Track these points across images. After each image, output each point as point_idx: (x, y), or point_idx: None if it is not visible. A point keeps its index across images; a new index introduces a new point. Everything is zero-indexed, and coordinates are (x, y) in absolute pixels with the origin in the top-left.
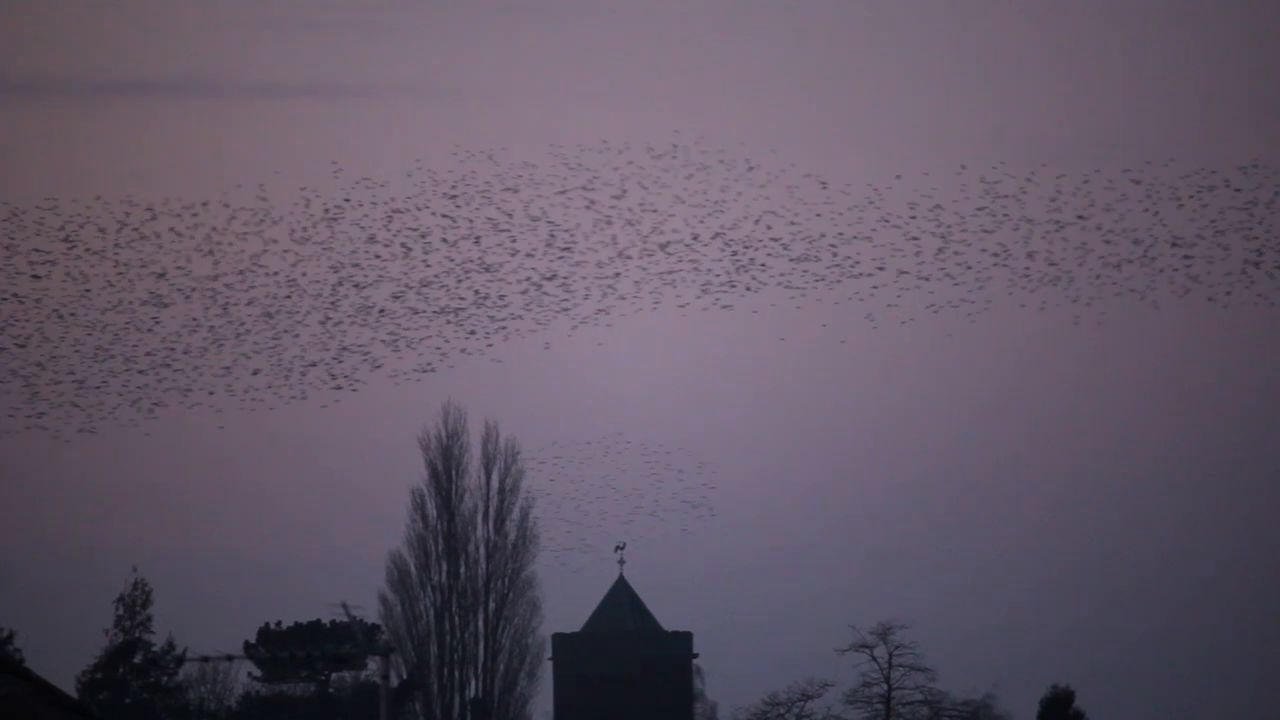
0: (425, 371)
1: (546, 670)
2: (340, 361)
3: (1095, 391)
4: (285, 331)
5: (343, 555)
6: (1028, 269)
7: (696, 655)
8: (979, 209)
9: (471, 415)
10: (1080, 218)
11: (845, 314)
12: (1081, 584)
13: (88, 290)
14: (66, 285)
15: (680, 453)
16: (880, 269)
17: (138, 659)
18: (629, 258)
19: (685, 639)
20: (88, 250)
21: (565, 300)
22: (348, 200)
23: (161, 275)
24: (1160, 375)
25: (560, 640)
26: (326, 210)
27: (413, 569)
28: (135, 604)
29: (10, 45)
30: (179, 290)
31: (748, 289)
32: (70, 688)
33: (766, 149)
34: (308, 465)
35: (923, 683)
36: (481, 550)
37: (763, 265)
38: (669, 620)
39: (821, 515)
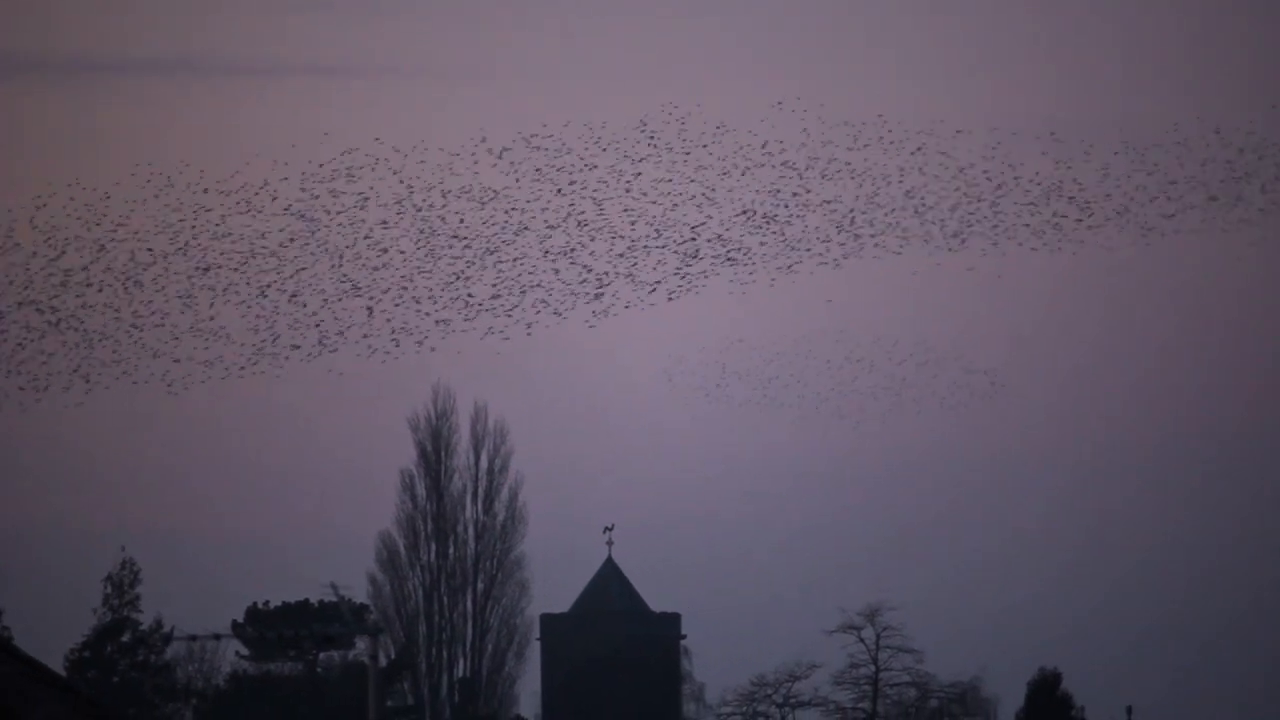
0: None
1: (534, 650)
2: (330, 340)
3: (1092, 378)
4: (275, 311)
5: (332, 535)
6: (1022, 244)
7: (684, 636)
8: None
9: (461, 396)
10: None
11: (825, 281)
12: (1071, 569)
13: (67, 275)
14: (52, 269)
15: (671, 435)
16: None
17: (126, 638)
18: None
19: (673, 620)
20: (77, 235)
21: (560, 281)
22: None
23: (144, 253)
24: (1154, 368)
25: (548, 621)
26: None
27: (402, 549)
28: (123, 583)
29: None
30: (160, 269)
31: (726, 262)
32: (59, 666)
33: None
34: (297, 445)
35: (910, 664)
36: (470, 531)
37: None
38: (657, 601)
39: (810, 498)
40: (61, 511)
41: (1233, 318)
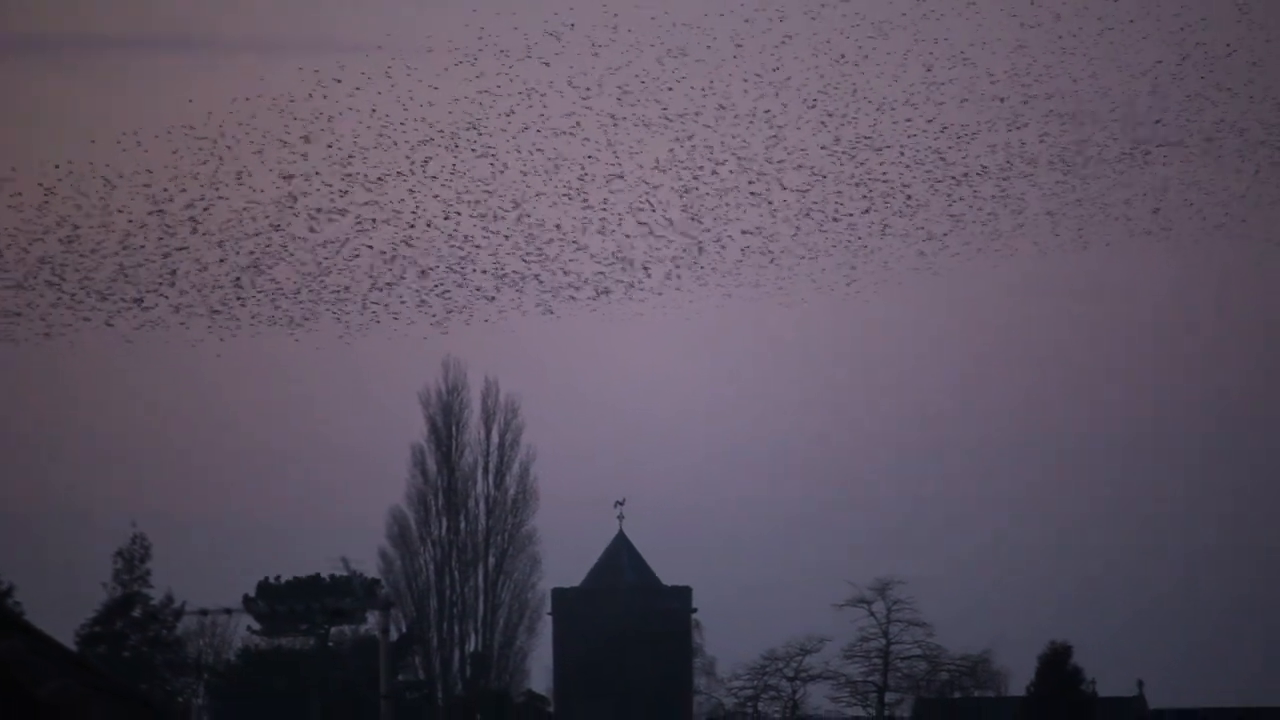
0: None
1: (546, 625)
2: (344, 312)
3: (1096, 350)
4: (288, 287)
5: (343, 510)
6: (991, 216)
7: (695, 610)
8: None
9: (471, 370)
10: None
11: (834, 267)
12: (1083, 544)
13: (80, 248)
14: (61, 242)
15: (681, 410)
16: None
17: (136, 613)
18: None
19: (684, 594)
20: (76, 207)
21: (571, 261)
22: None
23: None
24: (1160, 335)
25: (560, 595)
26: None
27: (413, 524)
28: (134, 558)
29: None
30: (177, 249)
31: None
32: (69, 641)
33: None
34: (308, 421)
35: (921, 637)
36: (481, 505)
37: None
38: (668, 575)
39: (821, 474)
40: (73, 487)
41: None
